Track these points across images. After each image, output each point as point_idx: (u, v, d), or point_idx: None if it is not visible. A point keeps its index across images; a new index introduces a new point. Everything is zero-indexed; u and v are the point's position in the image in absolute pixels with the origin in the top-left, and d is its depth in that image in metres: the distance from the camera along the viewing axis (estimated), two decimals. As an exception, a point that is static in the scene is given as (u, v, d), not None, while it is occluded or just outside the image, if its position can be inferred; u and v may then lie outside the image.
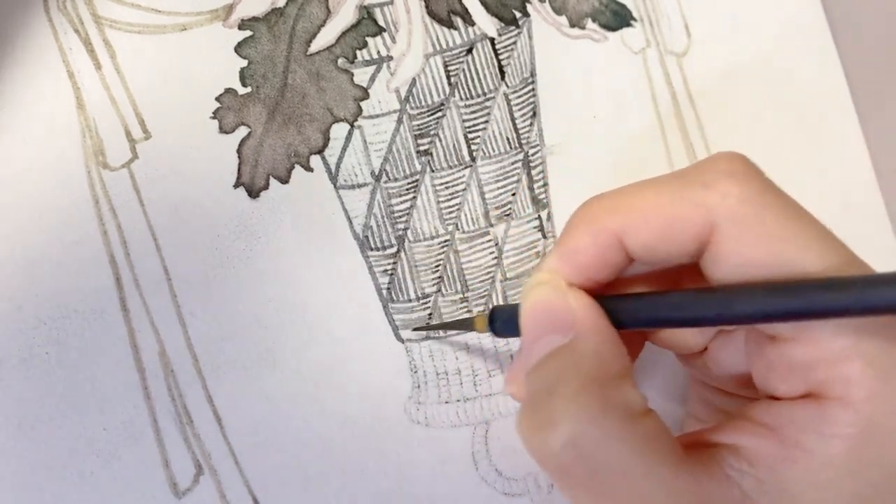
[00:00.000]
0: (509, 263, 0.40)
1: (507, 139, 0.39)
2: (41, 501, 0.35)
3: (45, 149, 0.36)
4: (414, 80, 0.39)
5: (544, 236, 0.40)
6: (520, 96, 0.40)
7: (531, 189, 0.40)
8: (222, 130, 0.37)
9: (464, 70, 0.39)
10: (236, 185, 0.37)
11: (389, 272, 0.39)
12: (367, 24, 0.38)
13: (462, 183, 0.39)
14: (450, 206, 0.39)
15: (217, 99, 0.37)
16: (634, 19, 0.42)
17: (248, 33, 0.38)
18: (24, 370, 0.35)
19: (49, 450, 0.35)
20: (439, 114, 0.39)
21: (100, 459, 0.36)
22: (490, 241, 0.39)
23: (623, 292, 0.33)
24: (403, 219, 0.39)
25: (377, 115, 0.38)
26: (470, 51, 0.39)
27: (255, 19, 0.38)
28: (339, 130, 0.38)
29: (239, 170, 0.38)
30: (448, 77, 0.39)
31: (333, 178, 0.38)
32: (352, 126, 0.38)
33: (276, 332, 0.37)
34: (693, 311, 0.29)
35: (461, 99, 0.39)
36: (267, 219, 0.38)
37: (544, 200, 0.40)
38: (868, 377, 0.27)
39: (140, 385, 0.36)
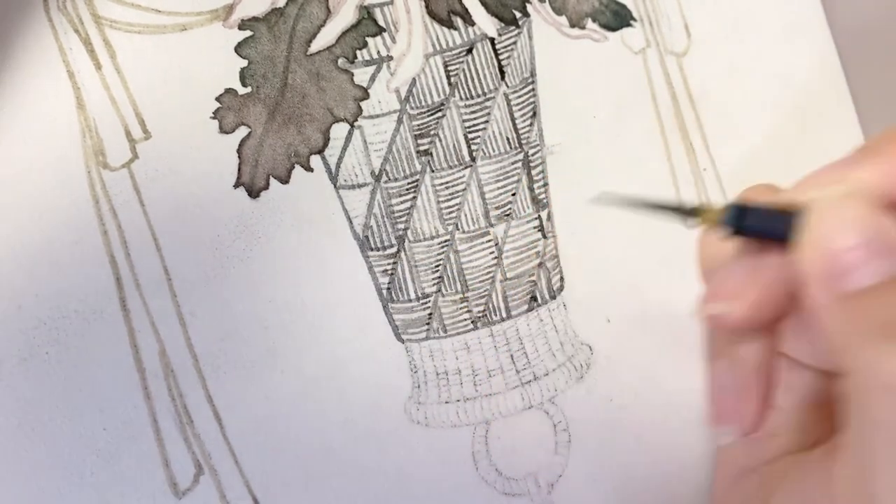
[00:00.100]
0: (509, 263, 0.40)
1: (507, 139, 0.39)
2: (41, 501, 0.35)
3: (45, 149, 0.36)
4: (414, 80, 0.39)
5: (544, 236, 0.40)
6: (520, 96, 0.40)
7: (531, 189, 0.40)
8: (222, 130, 0.37)
9: (464, 70, 0.39)
10: (236, 185, 0.37)
11: (389, 272, 0.39)
12: (367, 24, 0.38)
13: (462, 183, 0.39)
14: (450, 206, 0.39)
15: (217, 99, 0.37)
16: (634, 19, 0.42)
17: (248, 33, 0.38)
18: (24, 370, 0.35)
19: (49, 450, 0.35)
20: (439, 114, 0.39)
21: (100, 459, 0.36)
22: (490, 240, 0.39)
23: None
24: (403, 219, 0.39)
25: (377, 115, 0.38)
26: (470, 51, 0.39)
27: (255, 19, 0.38)
28: (339, 130, 0.38)
29: (239, 170, 0.38)
30: (448, 77, 0.39)
31: (333, 178, 0.38)
32: (352, 126, 0.38)
33: (277, 332, 0.37)
34: None
35: (461, 99, 0.39)
36: (267, 219, 0.38)
37: (544, 200, 0.40)
38: None
39: (140, 385, 0.36)
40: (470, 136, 0.39)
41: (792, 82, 0.43)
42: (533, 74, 0.40)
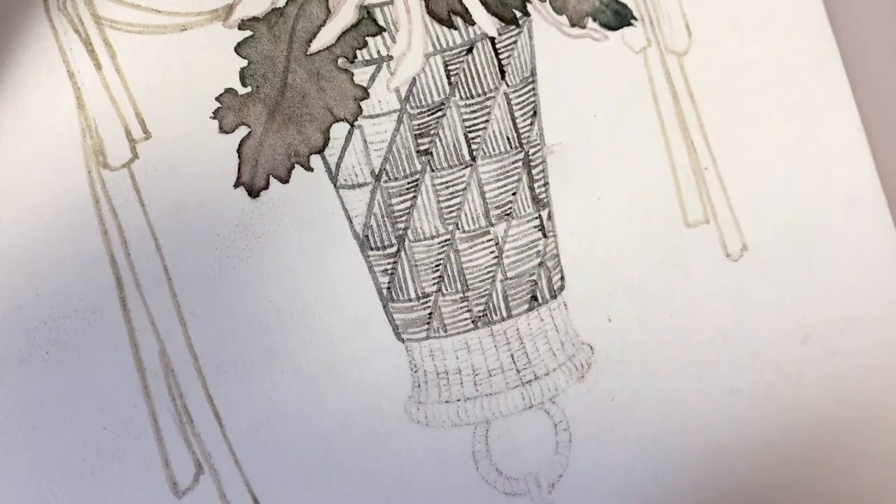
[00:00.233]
0: (510, 263, 0.40)
1: (508, 139, 0.39)
2: (41, 501, 0.35)
3: (46, 149, 0.36)
4: (414, 79, 0.38)
5: (545, 235, 0.40)
6: (520, 96, 0.40)
7: (532, 188, 0.40)
8: (222, 130, 0.37)
9: (464, 69, 0.39)
10: (236, 185, 0.38)
11: (389, 272, 0.39)
12: (367, 24, 0.38)
13: (462, 182, 0.39)
14: (450, 206, 0.39)
15: (217, 99, 0.37)
16: (635, 18, 0.41)
17: (248, 33, 0.38)
18: (24, 370, 0.36)
19: (49, 449, 0.36)
20: (439, 113, 0.39)
21: (100, 459, 0.36)
22: (490, 240, 0.39)
23: None
24: (403, 218, 0.39)
25: (377, 115, 0.38)
26: (470, 50, 0.39)
27: (255, 19, 0.38)
28: (339, 130, 0.38)
29: (239, 169, 0.38)
30: (448, 76, 0.39)
31: (333, 177, 0.38)
32: (352, 126, 0.38)
33: (277, 332, 0.37)
34: None
35: (461, 98, 0.39)
36: (267, 218, 0.38)
37: (545, 200, 0.40)
38: None
39: (140, 384, 0.36)
40: (470, 135, 0.39)
41: (793, 81, 0.43)
42: (533, 74, 0.40)
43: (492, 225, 0.39)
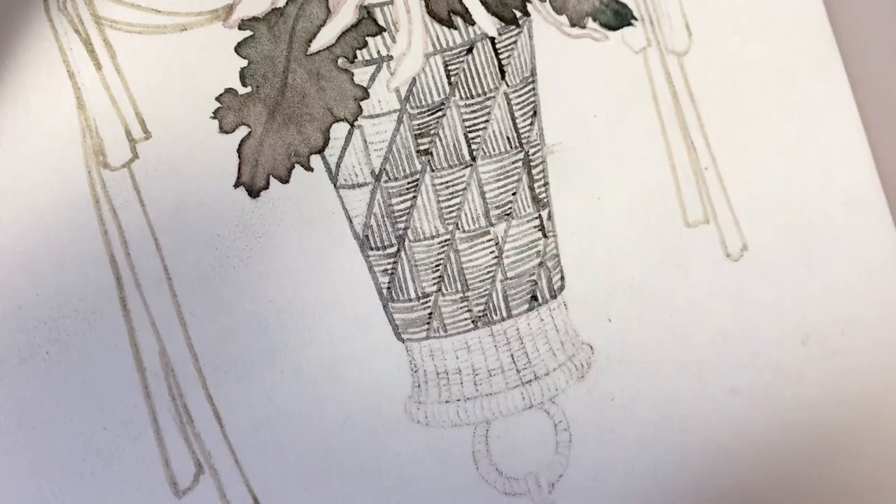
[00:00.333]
0: (510, 263, 0.40)
1: (508, 138, 0.39)
2: (41, 501, 0.35)
3: (46, 149, 0.36)
4: (414, 79, 0.38)
5: (545, 235, 0.40)
6: (520, 96, 0.40)
7: (532, 188, 0.40)
8: (222, 130, 0.38)
9: (464, 69, 0.39)
10: (236, 185, 0.38)
11: (389, 272, 0.39)
12: (367, 24, 0.38)
13: (462, 182, 0.39)
14: (450, 206, 0.39)
15: (217, 99, 0.37)
16: (635, 18, 0.41)
17: (248, 33, 0.38)
18: (24, 370, 0.36)
19: (49, 449, 0.36)
20: (439, 113, 0.39)
21: (100, 459, 0.36)
22: (490, 240, 0.39)
23: None
24: (403, 218, 0.39)
25: (377, 115, 0.38)
26: (470, 50, 0.39)
27: (255, 19, 0.38)
28: (339, 130, 0.38)
29: (239, 169, 0.38)
30: (448, 76, 0.39)
31: (333, 177, 0.38)
32: (352, 126, 0.38)
33: (277, 332, 0.37)
34: None
35: (461, 98, 0.39)
36: (267, 218, 0.38)
37: (545, 200, 0.40)
38: None
39: (140, 384, 0.36)
40: (470, 135, 0.39)
41: (794, 81, 0.43)
42: (533, 74, 0.40)
43: (492, 225, 0.39)
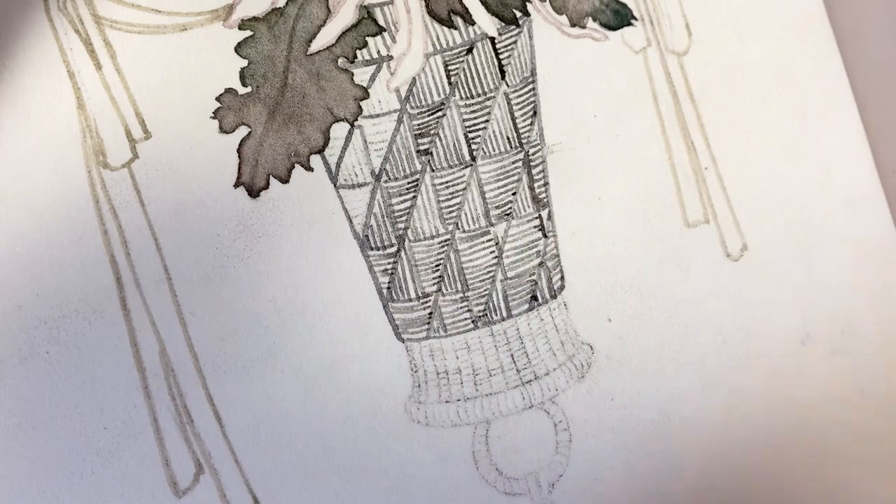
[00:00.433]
0: (510, 263, 0.40)
1: (508, 138, 0.39)
2: (41, 501, 0.35)
3: (46, 149, 0.36)
4: (414, 79, 0.38)
5: (545, 235, 0.40)
6: (520, 96, 0.40)
7: (532, 188, 0.40)
8: (222, 130, 0.38)
9: (464, 69, 0.39)
10: (236, 185, 0.38)
11: (389, 272, 0.39)
12: (367, 24, 0.38)
13: (462, 182, 0.39)
14: (450, 206, 0.39)
15: (217, 99, 0.37)
16: (635, 18, 0.41)
17: (248, 33, 0.38)
18: (24, 370, 0.36)
19: (49, 449, 0.36)
20: (439, 113, 0.39)
21: (100, 458, 0.36)
22: (490, 240, 0.39)
23: None
24: (403, 218, 0.39)
25: (377, 115, 0.38)
26: (470, 50, 0.39)
27: (255, 19, 0.38)
28: (339, 130, 0.38)
29: (239, 169, 0.38)
30: (448, 76, 0.39)
31: (333, 177, 0.38)
32: (352, 125, 0.38)
33: (277, 332, 0.37)
34: None
35: (461, 98, 0.39)
36: (267, 218, 0.38)
37: (545, 200, 0.40)
38: None
39: (140, 384, 0.36)
40: (470, 135, 0.39)
41: (794, 80, 0.43)
42: (533, 74, 0.40)
43: (492, 225, 0.39)
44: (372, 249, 0.39)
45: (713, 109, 0.42)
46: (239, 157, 0.38)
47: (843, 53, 0.43)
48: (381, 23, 0.38)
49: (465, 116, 0.39)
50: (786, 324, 0.42)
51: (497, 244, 0.39)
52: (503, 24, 0.40)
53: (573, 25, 0.41)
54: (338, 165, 0.38)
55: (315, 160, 0.38)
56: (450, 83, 0.39)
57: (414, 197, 0.39)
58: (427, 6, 0.39)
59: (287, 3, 0.38)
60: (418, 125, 0.38)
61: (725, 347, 0.41)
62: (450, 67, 0.39)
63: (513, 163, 0.40)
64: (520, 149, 0.40)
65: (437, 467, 0.38)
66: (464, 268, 0.39)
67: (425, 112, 0.39)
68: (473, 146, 0.39)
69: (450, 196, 0.39)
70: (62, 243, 0.36)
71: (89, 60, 0.37)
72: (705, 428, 0.41)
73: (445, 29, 0.39)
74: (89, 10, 0.37)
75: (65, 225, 0.36)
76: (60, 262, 0.36)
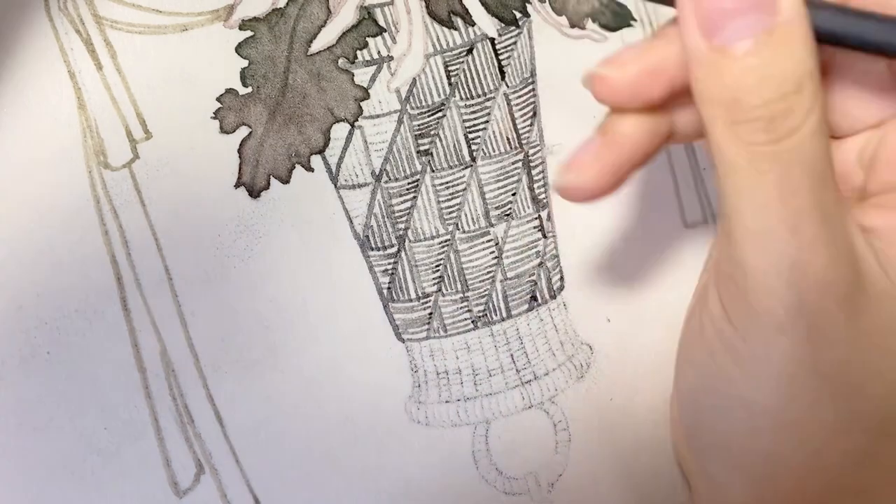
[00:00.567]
0: (510, 263, 0.40)
1: (508, 139, 0.39)
2: (41, 501, 0.35)
3: (46, 149, 0.36)
4: (414, 80, 0.39)
5: (545, 236, 0.40)
6: (520, 96, 0.40)
7: (531, 189, 0.40)
8: (223, 130, 0.38)
9: (464, 70, 0.39)
10: (237, 185, 0.38)
11: (390, 272, 0.39)
12: (368, 25, 0.38)
13: (462, 183, 0.39)
14: (450, 206, 0.39)
15: (218, 99, 0.38)
16: (634, 20, 0.42)
17: (248, 33, 0.38)
18: (24, 370, 0.36)
19: (49, 450, 0.35)
20: (440, 114, 0.39)
21: (100, 459, 0.36)
22: (490, 240, 0.39)
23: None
24: (404, 219, 0.39)
25: (378, 115, 0.38)
26: (470, 51, 0.39)
27: (255, 19, 0.38)
28: (339, 130, 0.38)
29: (240, 170, 0.38)
30: (448, 77, 0.39)
31: (334, 178, 0.38)
32: (352, 126, 0.38)
33: (277, 332, 0.37)
34: None
35: (461, 99, 0.39)
36: (267, 218, 0.38)
37: (545, 200, 0.40)
38: None
39: (141, 384, 0.36)
40: (470, 135, 0.39)
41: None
42: (533, 74, 0.40)
43: (492, 225, 0.39)
44: (372, 250, 0.39)
45: (712, 110, 0.42)
46: (240, 157, 0.38)
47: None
48: (382, 23, 0.38)
49: (465, 117, 0.39)
50: (785, 324, 0.42)
51: (497, 244, 0.39)
52: (503, 25, 0.40)
53: (573, 26, 0.41)
54: (338, 166, 0.38)
55: (315, 160, 0.38)
56: (450, 84, 0.39)
57: (414, 197, 0.39)
58: (427, 7, 0.39)
59: (288, 4, 0.38)
60: (418, 126, 0.39)
61: (725, 347, 0.41)
62: (450, 68, 0.39)
63: (513, 163, 0.40)
64: (520, 149, 0.40)
65: (437, 467, 0.38)
66: (464, 268, 0.39)
67: (425, 113, 0.39)
68: (473, 147, 0.39)
69: (450, 196, 0.39)
70: (63, 243, 0.36)
71: (90, 60, 0.37)
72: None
73: (445, 30, 0.39)
74: (90, 10, 0.37)
75: (65, 225, 0.36)
76: (61, 262, 0.36)
